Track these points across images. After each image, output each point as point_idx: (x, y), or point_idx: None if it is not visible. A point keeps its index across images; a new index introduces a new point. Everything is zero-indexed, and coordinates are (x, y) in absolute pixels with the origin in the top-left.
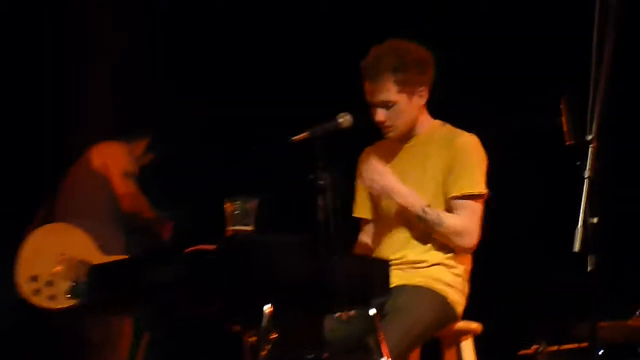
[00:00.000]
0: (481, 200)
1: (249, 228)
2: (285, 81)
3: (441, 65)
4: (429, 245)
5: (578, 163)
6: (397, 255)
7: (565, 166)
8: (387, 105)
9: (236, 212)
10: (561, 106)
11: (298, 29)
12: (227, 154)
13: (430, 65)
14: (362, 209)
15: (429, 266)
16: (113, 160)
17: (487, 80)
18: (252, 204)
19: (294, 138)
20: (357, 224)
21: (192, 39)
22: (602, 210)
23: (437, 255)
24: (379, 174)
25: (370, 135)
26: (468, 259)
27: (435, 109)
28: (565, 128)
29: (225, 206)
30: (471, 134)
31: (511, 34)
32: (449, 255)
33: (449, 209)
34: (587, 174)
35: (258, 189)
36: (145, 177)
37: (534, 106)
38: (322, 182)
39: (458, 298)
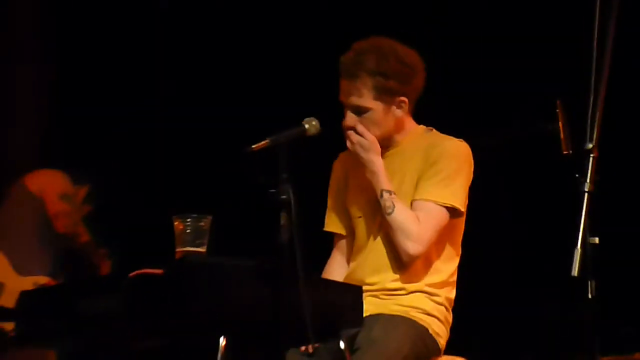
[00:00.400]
0: (449, 213)
1: (201, 249)
2: (245, 80)
3: (430, 69)
4: (408, 270)
5: (577, 175)
6: (372, 280)
7: (561, 179)
8: (359, 110)
9: (187, 231)
10: (557, 110)
11: (254, 27)
12: (178, 164)
13: (418, 73)
14: (334, 223)
15: (408, 293)
16: (49, 183)
17: (474, 82)
18: (205, 221)
19: (253, 146)
20: (328, 241)
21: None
22: (604, 229)
23: (418, 281)
24: (369, 145)
25: (342, 143)
26: (452, 286)
27: (420, 115)
28: (561, 135)
29: (174, 224)
30: (460, 140)
31: (502, 32)
32: (431, 281)
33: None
34: (586, 187)
35: (212, 204)
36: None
37: (526, 111)
38: (285, 197)
39: (440, 329)
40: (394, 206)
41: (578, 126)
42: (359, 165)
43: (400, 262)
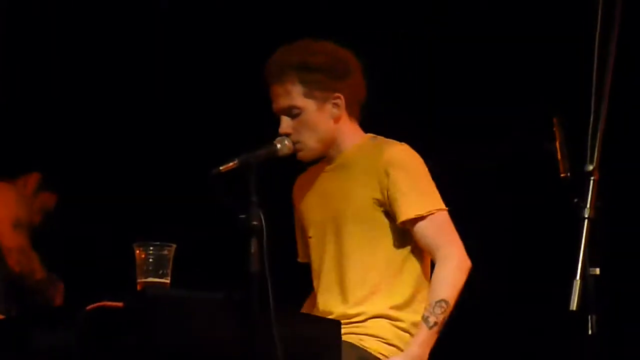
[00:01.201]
0: (443, 212)
1: (164, 280)
2: (212, 95)
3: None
4: (366, 292)
5: (575, 200)
6: (326, 309)
7: (559, 204)
8: (291, 112)
9: (149, 261)
10: (554, 129)
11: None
12: (138, 189)
13: (353, 71)
14: (305, 253)
15: (365, 320)
16: (2, 206)
17: (459, 96)
18: (169, 250)
19: (220, 168)
20: (303, 270)
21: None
22: (605, 259)
23: (378, 305)
24: None
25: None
26: (420, 305)
27: (392, 129)
28: (558, 156)
29: (135, 253)
30: (402, 143)
31: (493, 37)
32: (395, 302)
33: (416, 238)
34: (586, 213)
35: (176, 231)
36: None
37: (520, 129)
38: (255, 223)
39: None
40: (440, 298)
41: (577, 146)
42: (310, 184)
43: (357, 286)
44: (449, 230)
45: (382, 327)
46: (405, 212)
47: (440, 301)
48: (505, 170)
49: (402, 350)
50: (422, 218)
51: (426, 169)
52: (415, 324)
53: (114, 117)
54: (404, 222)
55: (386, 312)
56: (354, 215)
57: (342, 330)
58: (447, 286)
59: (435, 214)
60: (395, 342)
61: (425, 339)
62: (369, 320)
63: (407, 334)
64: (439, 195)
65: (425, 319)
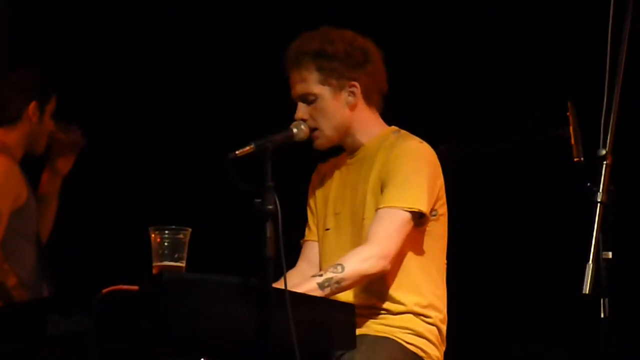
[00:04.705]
0: (412, 218)
1: (180, 264)
2: (229, 82)
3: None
4: (389, 290)
5: (588, 184)
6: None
7: (572, 188)
8: (307, 98)
9: (164, 244)
10: (567, 113)
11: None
12: (153, 173)
13: (373, 60)
14: (314, 235)
15: (396, 314)
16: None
17: (473, 85)
18: (184, 234)
19: (237, 152)
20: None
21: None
22: (618, 242)
23: (404, 303)
24: None
25: (334, 149)
26: (442, 301)
27: (412, 121)
28: (572, 141)
29: (151, 237)
30: (421, 140)
31: (505, 28)
32: (420, 302)
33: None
34: (599, 197)
35: (191, 215)
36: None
37: (533, 114)
38: (271, 207)
39: (434, 352)
40: (338, 269)
41: (590, 130)
42: (331, 175)
43: (379, 282)
44: (396, 231)
45: (411, 320)
46: (384, 200)
47: (338, 265)
48: (520, 156)
49: (432, 343)
50: (389, 208)
51: (433, 170)
52: (441, 319)
53: (132, 101)
54: (377, 207)
55: (413, 309)
56: (373, 210)
57: (369, 320)
58: (355, 260)
59: (400, 210)
60: (427, 335)
61: (309, 289)
62: (398, 315)
63: (435, 327)
64: (425, 198)
65: (314, 274)
